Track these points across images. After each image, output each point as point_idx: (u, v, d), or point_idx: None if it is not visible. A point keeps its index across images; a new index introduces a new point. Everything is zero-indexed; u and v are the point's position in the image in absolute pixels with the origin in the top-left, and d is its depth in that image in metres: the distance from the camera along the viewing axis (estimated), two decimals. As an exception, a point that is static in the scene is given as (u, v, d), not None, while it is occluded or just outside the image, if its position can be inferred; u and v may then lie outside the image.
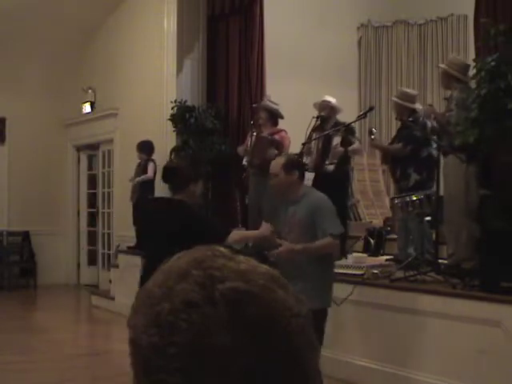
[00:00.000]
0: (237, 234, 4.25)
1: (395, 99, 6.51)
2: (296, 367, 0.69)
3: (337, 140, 6.48)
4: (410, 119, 6.27)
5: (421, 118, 6.25)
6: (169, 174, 4.17)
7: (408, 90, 6.82)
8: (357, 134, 7.15)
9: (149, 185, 8.62)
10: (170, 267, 0.73)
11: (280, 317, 0.68)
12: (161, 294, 0.70)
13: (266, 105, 7.32)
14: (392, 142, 6.57)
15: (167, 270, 0.73)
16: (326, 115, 6.72)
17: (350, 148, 6.54)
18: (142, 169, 8.68)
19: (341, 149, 6.46)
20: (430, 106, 6.18)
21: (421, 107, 6.53)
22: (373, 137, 6.54)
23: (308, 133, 6.80)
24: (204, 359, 0.66)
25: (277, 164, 4.33)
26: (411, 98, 6.41)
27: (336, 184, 6.51)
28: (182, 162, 4.38)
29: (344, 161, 6.57)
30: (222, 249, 0.75)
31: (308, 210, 4.18)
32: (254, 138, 7.18)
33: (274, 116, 7.24)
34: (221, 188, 8.74)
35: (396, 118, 7.08)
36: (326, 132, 6.54)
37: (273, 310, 0.68)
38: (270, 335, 0.67)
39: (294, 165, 4.31)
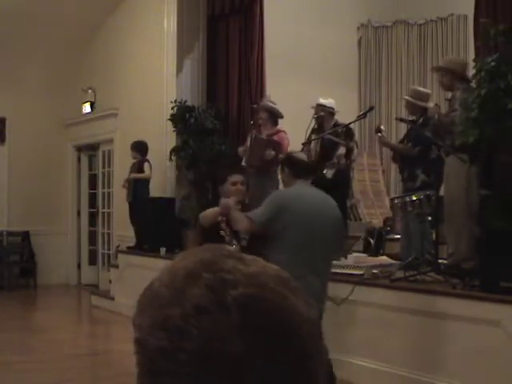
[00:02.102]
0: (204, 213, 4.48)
1: (408, 98, 6.44)
2: (306, 372, 0.68)
3: (342, 150, 6.48)
4: (410, 119, 6.26)
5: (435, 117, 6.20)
6: None
7: (421, 89, 6.74)
8: (356, 138, 7.17)
9: (145, 184, 8.63)
10: (177, 267, 0.71)
11: (291, 322, 0.68)
12: (169, 296, 0.68)
13: (266, 105, 7.33)
14: (402, 141, 6.55)
15: (174, 270, 0.71)
16: (322, 116, 6.75)
17: (353, 158, 6.60)
18: (136, 168, 8.69)
19: (344, 161, 6.49)
20: (436, 105, 6.14)
21: (431, 105, 6.47)
22: (380, 134, 6.51)
23: (308, 133, 6.82)
24: (215, 365, 0.65)
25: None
26: (424, 97, 6.35)
27: (336, 185, 6.52)
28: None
29: (346, 170, 6.63)
30: (229, 248, 0.74)
31: None
32: (252, 138, 7.19)
33: (274, 116, 7.26)
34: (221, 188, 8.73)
35: (396, 119, 7.07)
36: (326, 133, 6.55)
37: (284, 316, 0.68)
38: (281, 342, 0.67)
39: (284, 162, 4.42)
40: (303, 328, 0.68)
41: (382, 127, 6.61)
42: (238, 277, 0.68)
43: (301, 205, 4.01)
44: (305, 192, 4.17)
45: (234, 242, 4.41)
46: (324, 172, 6.50)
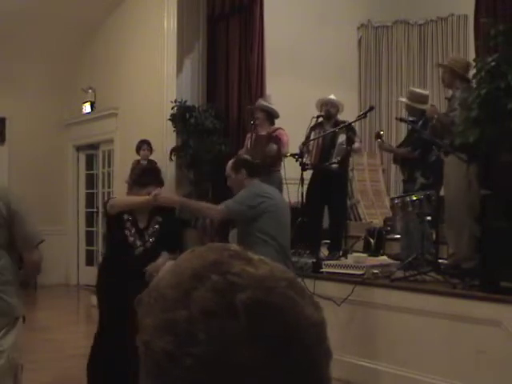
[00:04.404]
0: (116, 199, 4.53)
1: (405, 100, 6.46)
2: (313, 376, 0.68)
3: (342, 138, 6.48)
4: (411, 119, 6.26)
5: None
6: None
7: (418, 90, 6.71)
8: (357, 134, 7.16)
9: None
10: (183, 267, 0.70)
11: (300, 327, 0.67)
12: (176, 298, 0.67)
13: (261, 105, 7.31)
14: (402, 144, 6.56)
15: (179, 271, 0.70)
16: (334, 112, 6.73)
17: (354, 147, 6.56)
18: None
19: (345, 147, 6.47)
20: (432, 106, 6.15)
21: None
22: (380, 140, 6.55)
23: (308, 131, 6.81)
24: (221, 370, 0.64)
25: (228, 166, 4.77)
26: (422, 99, 6.35)
27: (337, 184, 6.52)
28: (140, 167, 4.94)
29: (345, 159, 6.60)
30: (235, 247, 0.72)
31: None
32: (252, 139, 7.17)
33: (271, 116, 7.24)
34: (221, 188, 8.73)
35: (396, 118, 7.07)
36: (329, 131, 6.54)
37: (293, 321, 0.67)
38: (289, 347, 0.66)
39: (241, 164, 4.69)
40: (310, 332, 0.68)
41: (382, 133, 6.66)
42: (247, 280, 0.67)
43: (272, 198, 4.54)
44: (268, 188, 4.71)
45: (139, 242, 4.40)
46: (331, 166, 6.48)
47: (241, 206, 4.50)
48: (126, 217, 4.38)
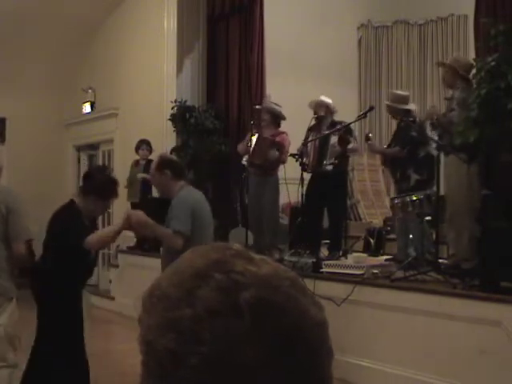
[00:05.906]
0: (93, 238, 3.95)
1: (387, 102, 6.58)
2: (314, 375, 0.68)
3: (334, 139, 6.48)
4: (410, 119, 6.27)
5: (417, 118, 6.29)
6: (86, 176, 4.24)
7: (399, 92, 6.88)
8: (355, 133, 7.16)
9: (150, 185, 8.62)
10: (185, 267, 0.70)
11: (304, 327, 0.67)
12: (179, 297, 0.66)
13: (269, 107, 7.29)
14: (390, 144, 6.59)
15: (182, 270, 0.69)
16: (324, 115, 6.73)
17: (349, 147, 6.54)
18: (143, 168, 8.66)
19: (338, 148, 6.46)
20: (433, 107, 6.18)
21: (415, 107, 6.58)
22: (369, 142, 6.61)
23: (306, 132, 6.81)
24: (225, 372, 0.63)
25: (152, 165, 4.49)
26: (403, 100, 6.45)
27: (335, 184, 6.51)
28: (101, 173, 4.25)
29: (342, 160, 6.57)
30: (237, 247, 0.72)
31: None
32: (255, 138, 7.15)
33: (277, 118, 7.23)
34: (221, 188, 8.75)
35: (394, 118, 7.09)
36: (326, 132, 6.54)
37: (297, 321, 0.66)
38: (293, 347, 0.65)
39: (165, 164, 4.37)
40: (314, 332, 0.67)
41: (371, 135, 6.72)
42: (250, 279, 0.66)
43: (200, 204, 4.37)
44: (195, 192, 4.50)
45: None
46: (324, 165, 6.47)
47: (185, 221, 4.16)
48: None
